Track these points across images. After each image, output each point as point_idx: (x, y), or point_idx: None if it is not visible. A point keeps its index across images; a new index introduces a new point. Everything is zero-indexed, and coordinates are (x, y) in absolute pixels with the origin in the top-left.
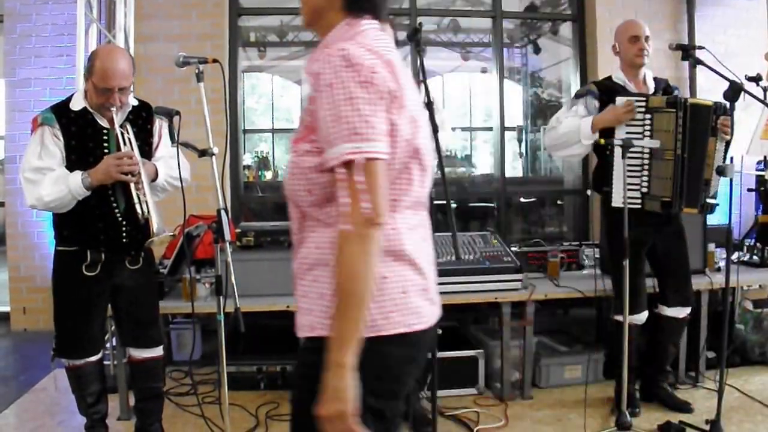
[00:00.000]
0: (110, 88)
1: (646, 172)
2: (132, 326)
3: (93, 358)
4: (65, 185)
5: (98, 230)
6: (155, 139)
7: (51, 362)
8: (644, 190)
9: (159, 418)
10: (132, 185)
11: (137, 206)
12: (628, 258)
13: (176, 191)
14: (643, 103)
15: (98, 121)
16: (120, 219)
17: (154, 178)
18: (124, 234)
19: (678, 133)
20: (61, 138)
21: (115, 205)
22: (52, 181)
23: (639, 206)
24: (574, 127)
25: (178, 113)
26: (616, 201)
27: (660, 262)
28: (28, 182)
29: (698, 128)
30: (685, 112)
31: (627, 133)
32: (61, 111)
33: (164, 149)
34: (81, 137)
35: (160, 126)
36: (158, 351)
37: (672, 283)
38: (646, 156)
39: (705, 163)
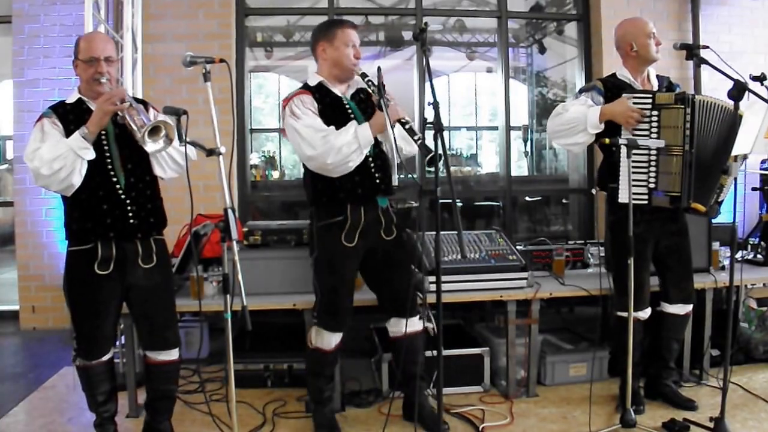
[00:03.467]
0: (96, 57)
1: (653, 168)
2: (147, 328)
3: (104, 358)
4: (64, 144)
5: (104, 213)
6: None
7: (73, 362)
8: (651, 185)
9: (169, 417)
10: (125, 113)
11: (131, 125)
12: (630, 255)
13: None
14: (650, 100)
15: (92, 108)
16: (123, 197)
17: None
18: (130, 214)
19: (686, 129)
20: (60, 125)
21: (115, 179)
22: (51, 144)
23: (646, 202)
24: (580, 114)
25: (185, 113)
26: (623, 197)
27: (663, 260)
28: (31, 161)
29: (713, 126)
30: (693, 108)
31: (634, 130)
32: (57, 106)
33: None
34: (79, 124)
35: (155, 115)
36: (174, 354)
37: (674, 280)
38: (653, 152)
39: (719, 163)
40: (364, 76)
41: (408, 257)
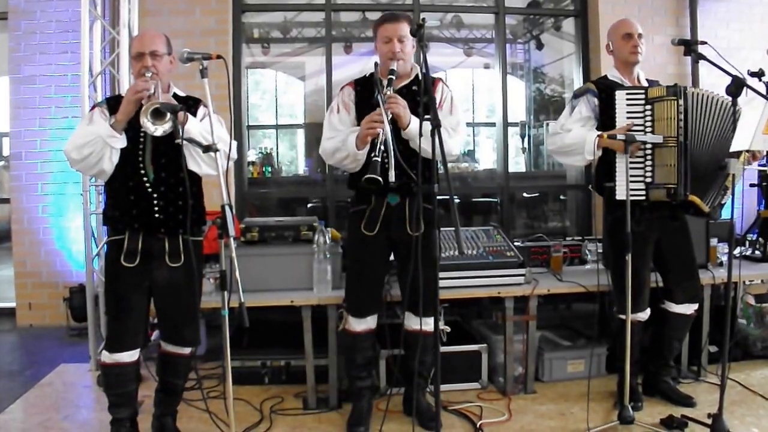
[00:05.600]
0: (141, 52)
1: (649, 163)
2: (166, 323)
3: (125, 358)
4: (95, 130)
5: (131, 203)
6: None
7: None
8: (648, 180)
9: (171, 412)
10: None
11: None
12: (633, 254)
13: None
14: (642, 95)
15: (143, 102)
16: (150, 190)
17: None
18: (156, 208)
19: (679, 120)
20: (107, 114)
21: (143, 172)
22: (85, 131)
23: (644, 197)
24: (579, 139)
25: (182, 109)
26: (621, 194)
27: (666, 259)
28: (66, 144)
29: (708, 119)
30: (685, 99)
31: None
32: (110, 98)
33: (205, 124)
34: None
35: (205, 113)
36: (185, 349)
37: (679, 279)
38: (649, 146)
39: (717, 157)
40: (390, 72)
41: (417, 256)
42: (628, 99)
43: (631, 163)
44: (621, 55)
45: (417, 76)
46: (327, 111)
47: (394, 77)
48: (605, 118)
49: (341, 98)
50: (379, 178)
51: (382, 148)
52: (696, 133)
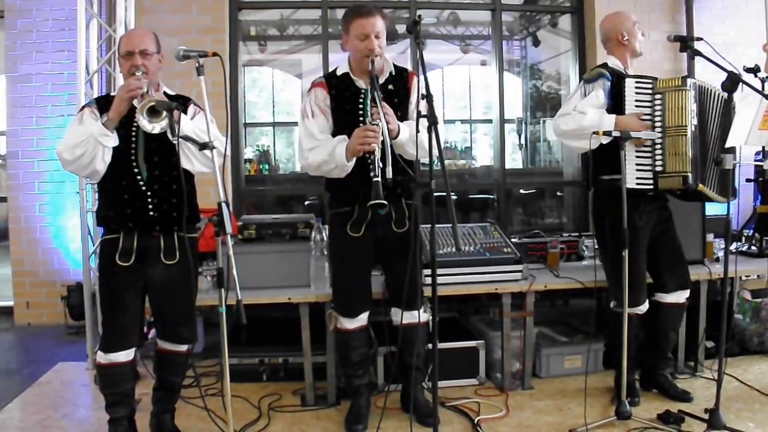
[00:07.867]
0: (131, 51)
1: (659, 152)
2: (162, 321)
3: (120, 357)
4: (87, 130)
5: (124, 202)
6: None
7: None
8: (658, 169)
9: (170, 410)
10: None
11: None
12: (635, 247)
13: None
14: (650, 85)
15: (136, 102)
16: (144, 188)
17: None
18: (150, 206)
19: (692, 110)
20: (97, 114)
21: (137, 170)
22: (77, 131)
23: (652, 186)
24: (597, 122)
25: (177, 107)
26: (630, 184)
27: (656, 247)
28: (58, 146)
29: (710, 110)
30: (696, 90)
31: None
32: (99, 97)
33: (196, 122)
34: None
35: (195, 111)
36: (182, 347)
37: (669, 267)
38: (658, 136)
39: (717, 150)
40: (371, 73)
41: (415, 251)
42: (636, 88)
43: (638, 152)
44: (635, 42)
45: (391, 73)
46: (300, 115)
47: (378, 84)
48: (614, 104)
49: (314, 102)
50: (385, 203)
51: (380, 165)
52: (704, 125)
